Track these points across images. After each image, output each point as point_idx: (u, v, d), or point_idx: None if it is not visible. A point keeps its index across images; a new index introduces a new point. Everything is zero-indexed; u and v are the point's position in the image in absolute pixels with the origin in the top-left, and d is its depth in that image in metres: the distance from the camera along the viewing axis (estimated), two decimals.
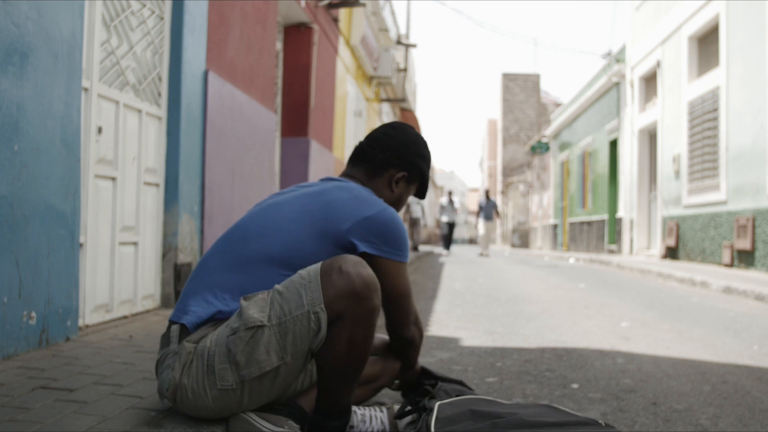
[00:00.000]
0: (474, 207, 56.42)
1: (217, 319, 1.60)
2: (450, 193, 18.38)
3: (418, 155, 1.91)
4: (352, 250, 1.65)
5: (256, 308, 1.50)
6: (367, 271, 1.53)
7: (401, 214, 16.57)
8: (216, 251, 1.70)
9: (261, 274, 1.60)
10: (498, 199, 33.81)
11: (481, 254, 16.41)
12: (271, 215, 1.70)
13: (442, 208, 17.80)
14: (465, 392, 1.91)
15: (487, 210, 16.78)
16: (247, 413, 1.55)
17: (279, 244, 1.63)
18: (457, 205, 18.36)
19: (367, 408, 1.79)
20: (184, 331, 1.59)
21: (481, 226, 16.89)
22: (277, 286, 1.54)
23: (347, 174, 1.89)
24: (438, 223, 18.87)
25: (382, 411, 1.81)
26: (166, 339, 1.63)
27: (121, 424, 1.58)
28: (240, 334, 1.49)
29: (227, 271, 1.63)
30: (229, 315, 1.59)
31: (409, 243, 15.77)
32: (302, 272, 1.54)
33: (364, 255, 1.65)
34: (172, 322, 1.64)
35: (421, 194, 1.99)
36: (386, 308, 1.74)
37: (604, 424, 1.58)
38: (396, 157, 1.87)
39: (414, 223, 17.21)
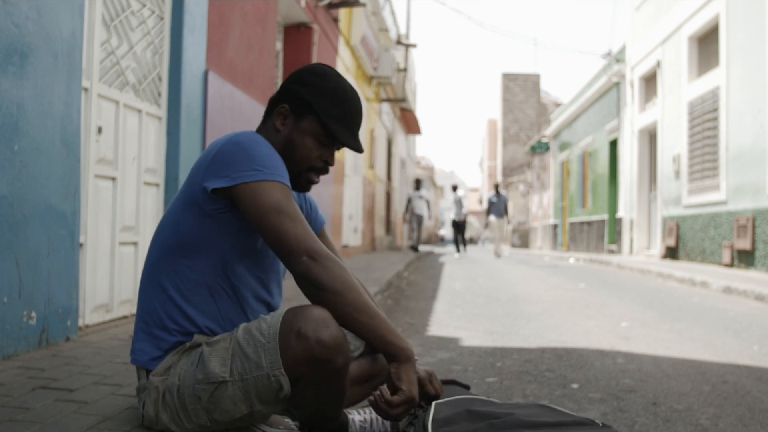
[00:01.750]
0: (474, 207, 56.39)
1: (169, 348, 1.52)
2: (455, 188, 16.46)
3: (297, 81, 1.58)
4: (208, 195, 1.46)
5: (217, 361, 1.43)
6: (328, 332, 1.35)
7: (404, 214, 15.78)
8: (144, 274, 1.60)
9: (169, 281, 1.51)
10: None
11: (497, 256, 15.16)
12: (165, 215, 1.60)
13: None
14: (458, 391, 1.90)
15: (498, 207, 15.16)
16: None
17: (169, 237, 1.53)
18: (463, 199, 16.36)
19: (368, 411, 1.77)
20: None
21: (493, 224, 15.39)
22: (238, 337, 1.43)
23: None
24: (437, 222, 17.58)
25: None
26: (137, 372, 1.56)
27: (121, 424, 1.58)
28: (203, 386, 1.43)
29: (145, 291, 1.55)
30: (176, 339, 1.51)
31: (409, 242, 14.51)
32: (263, 326, 1.42)
33: (218, 191, 1.45)
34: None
35: (332, 138, 1.58)
36: (266, 240, 1.43)
37: (601, 424, 1.58)
38: (282, 89, 1.60)
39: (418, 220, 15.71)
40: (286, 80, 1.63)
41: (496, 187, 15.43)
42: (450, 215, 16.73)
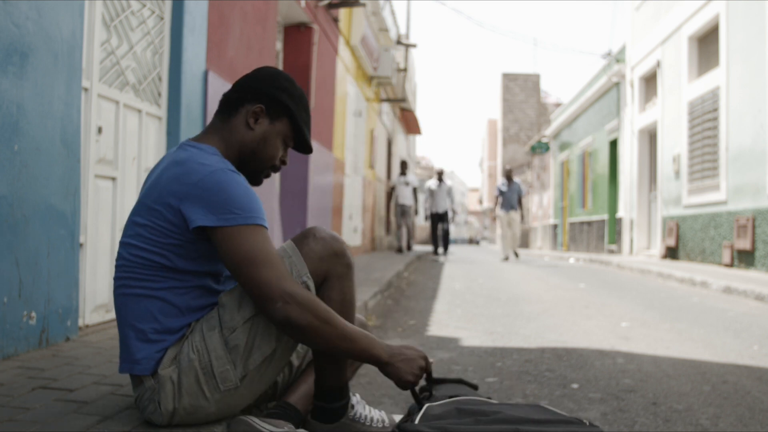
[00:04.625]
0: (474, 207, 56.28)
1: (169, 346, 1.54)
2: (440, 173, 13.27)
3: (274, 86, 1.65)
4: (183, 222, 1.48)
5: (244, 300, 1.51)
6: (334, 233, 1.62)
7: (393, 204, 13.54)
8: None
9: (163, 291, 1.53)
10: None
11: (506, 258, 12.54)
12: (128, 228, 1.58)
13: (431, 194, 13.05)
14: (464, 392, 1.92)
15: (510, 197, 12.39)
16: (247, 416, 1.56)
17: (142, 247, 1.53)
18: (449, 185, 13.35)
19: (370, 409, 1.80)
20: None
21: (502, 219, 12.49)
22: None
23: (199, 136, 1.67)
24: (426, 215, 13.43)
25: (380, 411, 1.82)
26: (134, 380, 1.57)
27: (121, 424, 1.58)
28: (240, 329, 1.50)
29: (133, 301, 1.54)
30: (177, 332, 1.54)
31: (399, 243, 12.51)
32: (278, 251, 1.54)
33: (200, 230, 1.49)
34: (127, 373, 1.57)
35: (299, 143, 1.72)
36: (241, 285, 1.49)
37: (588, 423, 1.59)
38: (249, 91, 1.65)
39: (403, 212, 12.64)
40: (251, 81, 1.67)
41: (508, 173, 12.73)
42: (432, 207, 13.13)
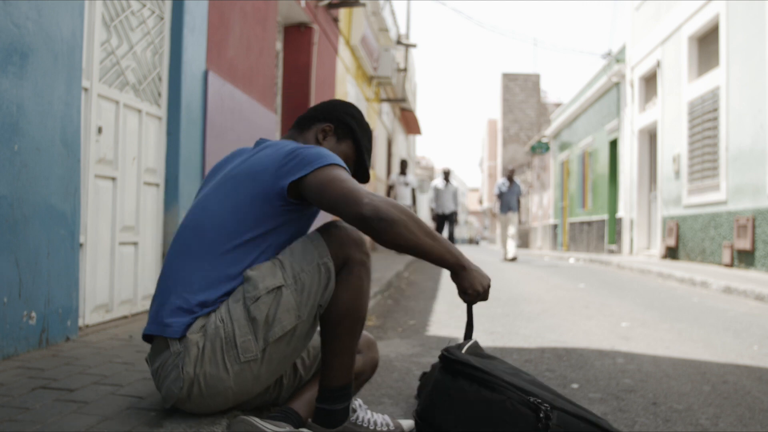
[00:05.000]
0: (474, 207, 56.27)
1: (202, 314, 1.59)
2: (446, 173, 12.64)
3: (344, 111, 1.86)
4: (282, 191, 1.60)
5: (269, 274, 1.57)
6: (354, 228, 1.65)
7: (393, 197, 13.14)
8: (175, 253, 1.68)
9: (221, 261, 1.60)
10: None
11: (506, 259, 12.29)
12: (212, 201, 1.68)
13: (437, 194, 12.52)
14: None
15: (509, 198, 12.31)
16: (249, 416, 1.56)
17: (230, 222, 1.62)
18: (455, 186, 12.93)
19: (371, 413, 1.80)
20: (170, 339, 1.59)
21: (501, 220, 12.53)
22: (279, 256, 1.62)
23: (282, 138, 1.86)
24: (432, 216, 12.93)
25: (384, 415, 1.83)
26: (158, 348, 1.61)
27: (121, 424, 1.58)
28: (263, 299, 1.55)
29: (193, 269, 1.61)
30: (211, 305, 1.58)
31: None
32: (301, 238, 1.64)
33: (293, 186, 1.60)
34: (151, 336, 1.63)
35: (359, 168, 1.87)
36: (330, 203, 1.56)
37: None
38: (322, 112, 1.85)
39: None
40: (325, 104, 1.87)
41: (510, 174, 12.54)
42: (438, 209, 12.56)
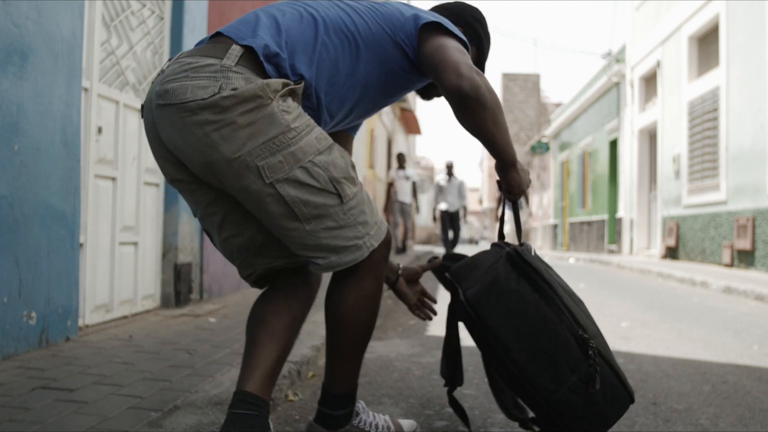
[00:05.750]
0: (474, 207, 56.29)
1: (274, 62, 1.43)
2: (449, 166, 11.65)
3: (472, 15, 1.82)
4: (412, 31, 1.55)
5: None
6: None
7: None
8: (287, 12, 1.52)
9: (330, 45, 1.50)
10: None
11: None
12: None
13: (440, 190, 11.54)
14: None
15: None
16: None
17: (353, 22, 1.53)
18: (460, 180, 11.70)
19: (375, 416, 1.77)
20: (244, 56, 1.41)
21: (507, 218, 11.20)
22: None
23: None
24: (435, 216, 12.00)
25: (385, 416, 1.80)
26: (210, 49, 1.43)
27: (121, 424, 1.58)
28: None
29: (300, 32, 1.48)
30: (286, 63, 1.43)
31: (394, 243, 11.05)
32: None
33: (423, 29, 1.55)
34: (228, 39, 1.45)
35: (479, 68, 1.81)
36: (439, 63, 1.50)
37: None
38: (450, 10, 1.80)
39: (402, 210, 11.35)
40: (454, 6, 1.82)
41: None
42: (442, 206, 11.41)
